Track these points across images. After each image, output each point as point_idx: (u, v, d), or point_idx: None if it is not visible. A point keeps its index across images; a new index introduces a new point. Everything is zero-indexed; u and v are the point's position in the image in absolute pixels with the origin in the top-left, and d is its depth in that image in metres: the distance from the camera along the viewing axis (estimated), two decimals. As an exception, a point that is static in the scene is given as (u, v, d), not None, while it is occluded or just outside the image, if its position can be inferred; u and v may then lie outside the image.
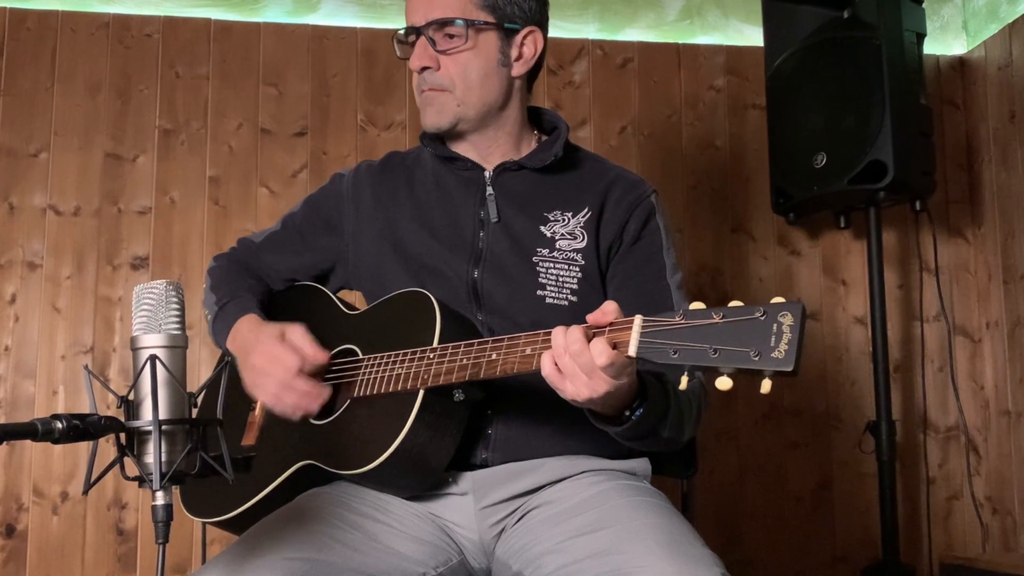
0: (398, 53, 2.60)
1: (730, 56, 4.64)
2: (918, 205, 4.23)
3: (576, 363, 1.91)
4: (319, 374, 2.37)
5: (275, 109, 4.35)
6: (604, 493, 2.30)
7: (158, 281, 1.73)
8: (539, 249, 2.48)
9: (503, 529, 2.37)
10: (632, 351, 1.85)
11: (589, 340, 1.90)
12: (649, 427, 2.15)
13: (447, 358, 2.16)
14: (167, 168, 4.25)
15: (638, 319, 1.86)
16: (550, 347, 1.96)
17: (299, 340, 2.36)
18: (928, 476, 4.49)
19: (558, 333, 1.94)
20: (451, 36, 2.48)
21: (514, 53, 2.56)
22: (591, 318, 1.94)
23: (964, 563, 4.09)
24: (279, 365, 2.31)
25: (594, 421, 2.14)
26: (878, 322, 4.07)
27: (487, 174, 2.57)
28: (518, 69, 2.57)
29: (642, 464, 2.49)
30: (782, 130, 4.20)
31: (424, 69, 2.50)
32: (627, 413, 2.09)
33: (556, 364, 1.95)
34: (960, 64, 4.74)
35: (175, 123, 4.28)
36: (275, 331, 2.38)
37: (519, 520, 2.36)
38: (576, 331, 1.92)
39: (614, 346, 1.88)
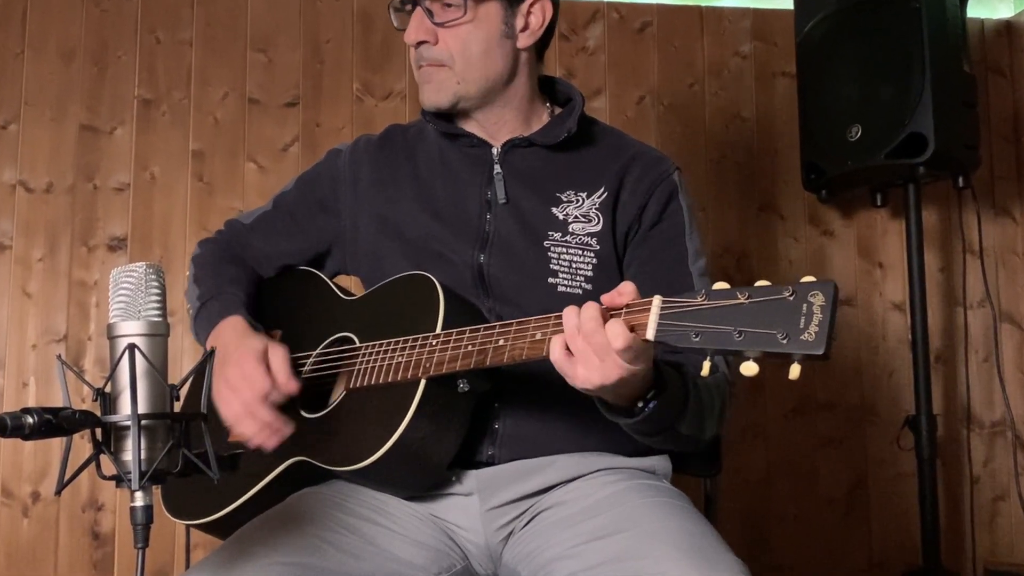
0: (395, 24, 2.59)
1: (757, 20, 4.63)
2: (961, 181, 4.20)
3: (589, 344, 1.91)
4: (285, 407, 2.35)
5: (264, 77, 4.35)
6: (620, 494, 2.30)
7: (137, 264, 1.72)
8: (551, 233, 2.48)
9: (511, 532, 2.37)
10: (650, 334, 1.85)
11: (605, 321, 1.90)
12: (666, 422, 2.15)
13: (451, 345, 2.15)
14: (147, 141, 4.25)
15: (657, 299, 1.86)
16: (561, 331, 1.96)
17: (277, 364, 2.35)
18: (972, 475, 4.49)
19: (570, 312, 1.94)
20: (448, 6, 2.46)
21: (519, 23, 2.54)
22: (606, 299, 1.94)
23: (1011, 569, 4.09)
24: (248, 386, 2.30)
25: (604, 412, 2.14)
26: (918, 308, 4.06)
27: (495, 151, 2.57)
28: (524, 40, 2.55)
29: (662, 462, 2.48)
30: (814, 100, 4.19)
31: (421, 44, 2.49)
32: (640, 404, 2.08)
33: (567, 347, 1.95)
34: (1007, 28, 4.72)
35: (155, 93, 4.28)
36: (258, 346, 2.36)
37: (528, 522, 2.36)
38: (591, 308, 1.92)
39: (632, 329, 1.88)
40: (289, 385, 2.33)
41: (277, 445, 2.30)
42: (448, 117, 2.62)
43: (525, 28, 2.55)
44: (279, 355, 2.36)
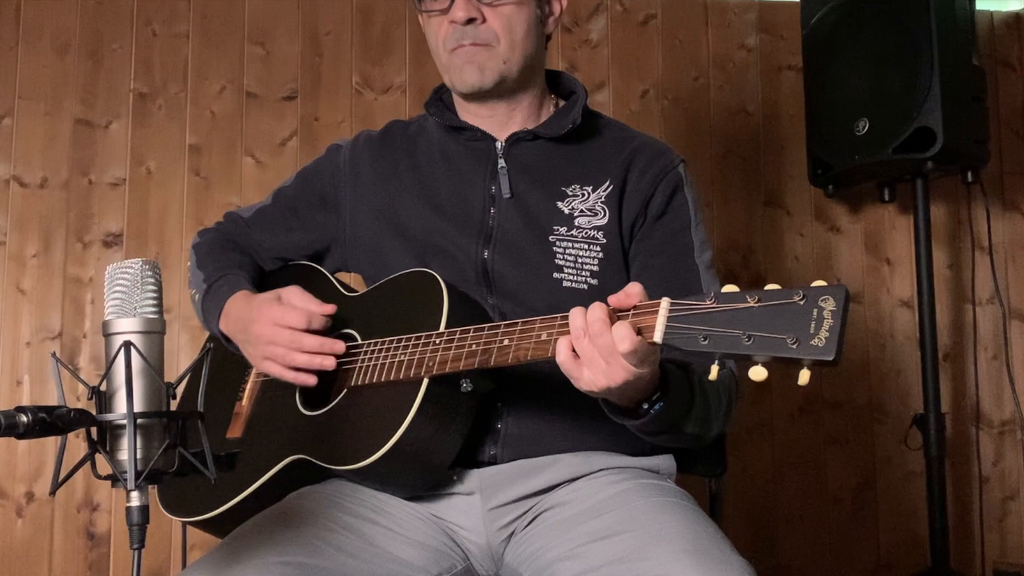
0: (419, 6, 2.59)
1: (763, 12, 4.63)
2: (970, 176, 4.21)
3: (595, 346, 1.90)
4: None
5: (262, 70, 4.34)
6: (624, 493, 2.29)
7: (133, 260, 1.72)
8: (556, 227, 2.47)
9: (513, 532, 2.37)
10: (658, 337, 1.84)
11: (612, 323, 1.89)
12: (670, 422, 2.14)
13: (454, 344, 2.15)
14: (143, 135, 4.24)
15: (665, 302, 1.85)
16: (567, 332, 1.95)
17: (299, 299, 2.39)
18: (981, 475, 4.48)
19: (576, 314, 1.93)
20: None
21: (546, 9, 2.59)
22: (613, 300, 1.93)
23: (1020, 570, 4.09)
24: (283, 327, 2.34)
25: (609, 413, 2.13)
26: (926, 305, 4.05)
27: (499, 145, 2.57)
28: (550, 27, 2.62)
29: (666, 461, 2.48)
30: (820, 94, 4.19)
31: (470, 21, 2.48)
32: (645, 406, 2.08)
33: (573, 349, 1.94)
34: (1016, 21, 4.72)
35: (152, 86, 4.27)
36: (269, 296, 2.40)
37: (531, 523, 2.35)
38: (597, 310, 1.91)
39: (638, 331, 1.86)
40: (324, 307, 2.38)
41: (335, 365, 2.34)
42: (453, 109, 2.64)
43: (551, 14, 2.61)
44: (296, 290, 2.41)
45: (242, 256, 2.71)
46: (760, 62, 4.60)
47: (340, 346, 2.35)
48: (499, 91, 2.54)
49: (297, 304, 2.37)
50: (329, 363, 2.34)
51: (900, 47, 3.93)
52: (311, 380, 2.35)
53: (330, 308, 2.38)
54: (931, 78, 3.82)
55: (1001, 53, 4.67)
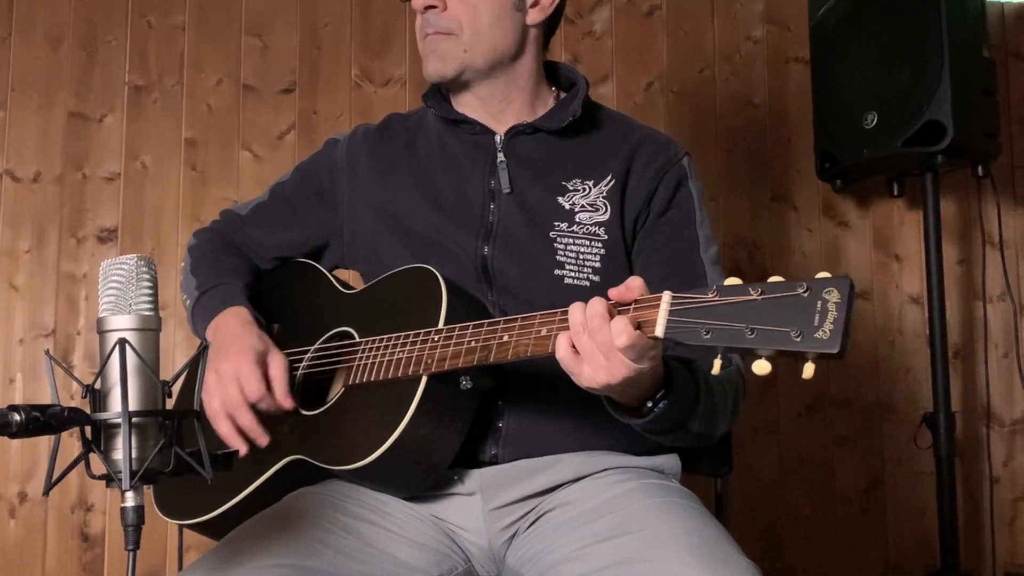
0: None
1: (770, 3, 4.63)
2: (980, 170, 4.19)
3: (594, 342, 1.89)
4: (269, 420, 2.35)
5: (259, 63, 4.34)
6: (628, 493, 2.29)
7: (128, 256, 1.72)
8: (556, 223, 2.47)
9: (515, 533, 2.37)
10: (659, 331, 1.83)
11: (611, 318, 1.89)
12: (676, 420, 2.13)
13: (453, 341, 2.15)
14: (138, 129, 4.25)
15: (667, 295, 1.84)
16: (567, 328, 1.95)
17: (276, 373, 2.36)
18: (992, 475, 4.48)
19: (576, 309, 1.93)
20: None
21: None
22: (614, 293, 1.93)
23: (1031, 571, 4.09)
24: (238, 386, 2.31)
25: (613, 412, 2.12)
26: (936, 302, 4.05)
27: (498, 139, 2.56)
28: (534, 16, 2.56)
29: (671, 461, 2.47)
30: (828, 86, 4.19)
31: (429, 9, 2.48)
32: (649, 404, 2.06)
33: (573, 345, 1.94)
34: (1028, 12, 4.72)
35: (147, 79, 4.28)
36: (259, 346, 2.38)
37: (533, 523, 2.35)
38: (597, 304, 1.90)
39: (639, 326, 1.86)
40: (286, 401, 2.34)
41: (246, 454, 2.31)
42: (450, 102, 2.62)
43: (535, 3, 2.56)
44: (279, 365, 2.36)
45: (238, 260, 2.71)
46: (767, 54, 4.60)
47: (264, 440, 2.32)
48: (463, 82, 2.54)
49: (271, 376, 2.35)
50: (243, 450, 2.30)
51: (909, 39, 3.93)
52: (229, 440, 2.33)
53: (288, 404, 2.35)
54: (941, 70, 3.82)
55: (1012, 45, 4.67)
